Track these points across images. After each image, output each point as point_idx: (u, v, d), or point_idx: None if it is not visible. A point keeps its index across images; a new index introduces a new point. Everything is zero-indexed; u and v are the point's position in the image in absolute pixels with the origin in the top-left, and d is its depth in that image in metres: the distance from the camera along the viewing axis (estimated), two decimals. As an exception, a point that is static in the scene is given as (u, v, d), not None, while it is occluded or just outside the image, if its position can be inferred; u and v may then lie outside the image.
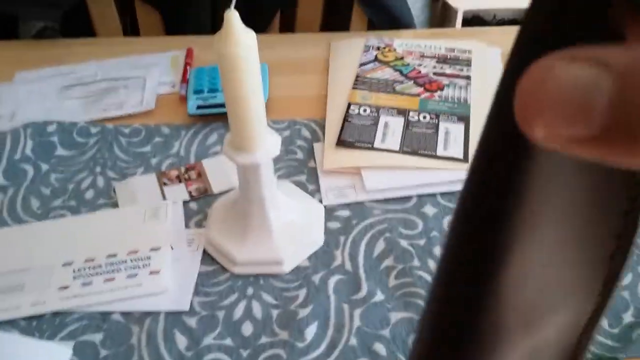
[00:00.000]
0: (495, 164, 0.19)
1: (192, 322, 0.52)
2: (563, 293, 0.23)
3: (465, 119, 0.72)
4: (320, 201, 0.63)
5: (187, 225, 0.61)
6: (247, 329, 0.51)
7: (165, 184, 0.65)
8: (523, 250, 0.20)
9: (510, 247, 0.20)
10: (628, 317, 0.50)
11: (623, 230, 0.20)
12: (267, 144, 0.53)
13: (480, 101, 0.75)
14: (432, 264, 0.56)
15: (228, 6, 0.46)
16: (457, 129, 0.71)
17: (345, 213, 0.62)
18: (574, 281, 0.22)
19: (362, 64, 0.83)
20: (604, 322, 0.50)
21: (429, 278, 0.55)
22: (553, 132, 0.13)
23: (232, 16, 0.46)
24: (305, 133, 0.72)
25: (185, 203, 0.63)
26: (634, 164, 0.12)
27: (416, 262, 0.56)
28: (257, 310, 0.53)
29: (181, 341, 0.50)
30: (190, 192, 0.64)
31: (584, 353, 0.27)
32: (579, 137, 0.12)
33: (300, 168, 0.67)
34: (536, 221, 0.19)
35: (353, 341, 0.50)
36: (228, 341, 0.50)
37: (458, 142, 0.69)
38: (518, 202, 0.19)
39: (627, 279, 0.54)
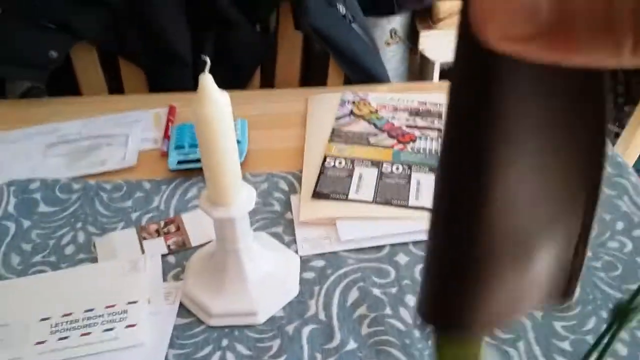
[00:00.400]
0: (466, 89, 0.20)
1: (167, 374, 0.53)
2: (549, 218, 0.24)
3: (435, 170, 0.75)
4: (296, 252, 0.65)
5: (164, 279, 0.62)
6: (221, 380, 0.52)
7: (144, 238, 0.66)
8: (507, 172, 0.22)
9: (494, 171, 0.22)
10: (591, 361, 0.52)
11: (600, 148, 0.21)
12: (242, 198, 0.55)
13: (451, 152, 0.78)
14: (404, 312, 0.57)
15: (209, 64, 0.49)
16: (429, 179, 0.74)
17: (320, 263, 0.63)
18: (558, 206, 0.24)
19: (338, 118, 0.86)
20: (568, 366, 0.52)
21: (400, 326, 0.56)
22: (505, 31, 0.15)
23: (207, 80, 0.49)
24: (283, 185, 0.74)
25: (163, 256, 0.64)
26: (574, 60, 0.14)
27: (388, 311, 0.58)
28: (231, 361, 0.54)
29: (156, 394, 0.51)
30: (168, 246, 0.66)
31: (574, 283, 0.28)
32: (528, 34, 0.14)
33: (277, 220, 0.69)
34: (515, 143, 0.21)
35: (325, 390, 0.51)
36: (202, 393, 0.51)
37: (429, 192, 0.71)
38: (494, 123, 0.20)
39: (590, 323, 0.55)
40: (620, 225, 0.66)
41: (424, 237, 0.71)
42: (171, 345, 0.55)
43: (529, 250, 0.26)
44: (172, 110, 0.88)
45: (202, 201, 0.55)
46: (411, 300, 0.59)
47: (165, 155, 0.79)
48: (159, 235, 0.67)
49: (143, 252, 0.65)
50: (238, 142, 0.79)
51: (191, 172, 0.75)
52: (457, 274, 0.27)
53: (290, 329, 0.56)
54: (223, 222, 0.56)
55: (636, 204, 0.68)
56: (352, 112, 0.87)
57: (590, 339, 0.54)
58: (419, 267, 0.62)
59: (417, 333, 0.55)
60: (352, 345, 0.55)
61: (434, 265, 0.29)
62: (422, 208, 0.69)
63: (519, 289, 0.28)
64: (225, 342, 0.55)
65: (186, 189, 0.74)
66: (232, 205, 0.54)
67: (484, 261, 0.25)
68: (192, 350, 0.55)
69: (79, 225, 0.69)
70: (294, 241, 0.66)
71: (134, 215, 0.70)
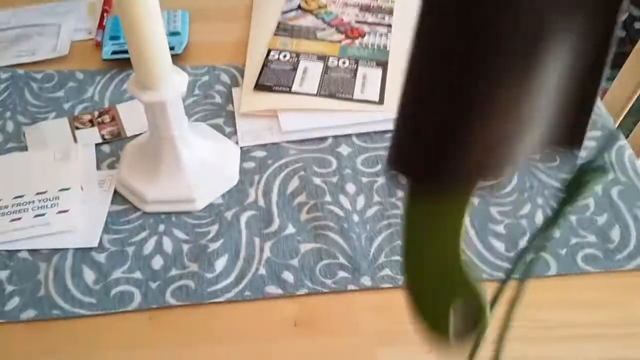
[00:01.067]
0: None
1: (100, 257, 0.52)
2: (566, 12, 0.20)
3: (383, 64, 0.73)
4: (237, 143, 0.63)
5: (99, 167, 0.60)
6: (157, 262, 0.52)
7: (77, 127, 0.64)
8: None
9: None
10: (524, 243, 0.53)
11: None
12: (173, 82, 0.53)
13: (400, 47, 0.77)
14: (344, 199, 0.57)
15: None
16: (375, 73, 0.72)
17: (261, 154, 0.62)
18: None
19: (284, 12, 0.82)
20: (502, 247, 0.53)
21: (339, 212, 0.56)
22: None
23: None
24: (225, 78, 0.72)
25: (98, 146, 0.62)
26: None
27: (328, 198, 0.57)
28: (167, 245, 0.53)
29: (89, 276, 0.50)
30: (103, 135, 0.63)
31: (583, 126, 0.24)
32: None
33: (218, 112, 0.67)
34: None
35: (262, 271, 0.51)
36: (137, 274, 0.51)
37: (375, 86, 0.70)
38: None
39: (525, 208, 0.56)
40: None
41: (367, 129, 0.70)
42: (106, 230, 0.54)
43: (536, 56, 0.20)
44: (107, 1, 0.82)
45: (131, 85, 0.52)
46: (352, 188, 0.59)
47: (99, 45, 0.75)
48: (92, 125, 0.64)
49: (76, 141, 0.62)
50: (177, 33, 0.77)
51: (127, 63, 0.71)
52: (444, 88, 0.21)
53: (229, 215, 0.56)
54: (154, 107, 0.53)
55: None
56: (299, 7, 0.84)
57: (525, 223, 0.55)
58: (361, 158, 0.62)
59: (355, 217, 0.56)
60: (290, 229, 0.55)
61: (414, 86, 0.22)
62: (367, 101, 0.68)
63: (518, 119, 0.22)
64: (162, 228, 0.54)
65: (122, 80, 0.70)
66: (162, 88, 0.52)
67: (482, 62, 0.19)
68: (127, 235, 0.54)
69: (8, 114, 0.65)
70: (235, 132, 0.64)
71: (67, 106, 0.67)
